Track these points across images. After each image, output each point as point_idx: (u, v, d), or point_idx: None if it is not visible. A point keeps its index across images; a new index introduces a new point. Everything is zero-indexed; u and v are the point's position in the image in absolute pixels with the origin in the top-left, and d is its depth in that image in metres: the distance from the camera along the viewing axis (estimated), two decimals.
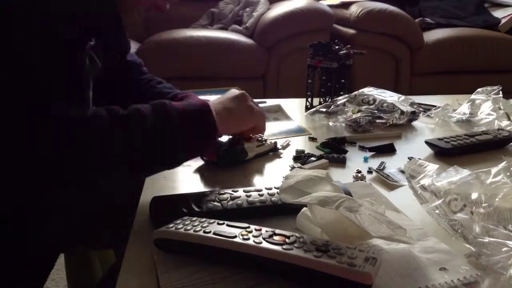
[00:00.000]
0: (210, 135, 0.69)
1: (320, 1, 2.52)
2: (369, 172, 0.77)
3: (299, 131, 0.99)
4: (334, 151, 0.85)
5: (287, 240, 0.47)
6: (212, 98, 1.13)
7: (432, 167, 0.66)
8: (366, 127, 0.98)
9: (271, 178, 0.75)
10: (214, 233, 0.49)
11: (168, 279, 0.47)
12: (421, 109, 1.09)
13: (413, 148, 0.89)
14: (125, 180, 0.66)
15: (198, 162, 0.79)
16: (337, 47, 1.09)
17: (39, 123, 0.55)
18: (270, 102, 1.17)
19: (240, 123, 0.78)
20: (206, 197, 0.60)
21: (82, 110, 0.60)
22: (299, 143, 0.91)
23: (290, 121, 1.06)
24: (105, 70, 0.80)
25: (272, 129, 0.97)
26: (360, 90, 1.11)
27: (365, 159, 0.83)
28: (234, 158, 0.79)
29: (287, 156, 0.85)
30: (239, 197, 0.60)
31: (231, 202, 0.59)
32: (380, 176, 0.75)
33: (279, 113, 1.10)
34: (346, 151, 0.85)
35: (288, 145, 0.89)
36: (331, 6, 2.44)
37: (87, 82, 0.71)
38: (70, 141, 0.57)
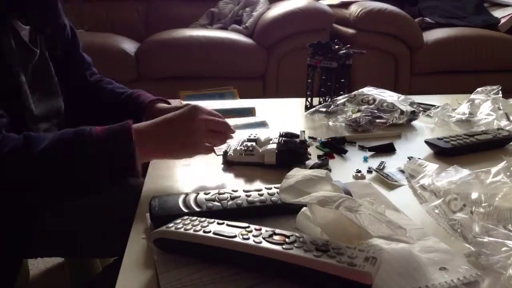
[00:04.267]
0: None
1: (320, 1, 2.52)
2: (369, 171, 0.77)
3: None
4: (334, 150, 0.85)
5: (287, 239, 0.47)
6: (208, 103, 1.11)
7: (432, 166, 0.66)
8: (366, 127, 0.98)
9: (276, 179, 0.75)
10: (214, 233, 0.49)
11: (168, 279, 0.47)
12: (420, 108, 1.09)
13: (413, 147, 0.89)
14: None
15: (198, 162, 0.79)
16: (336, 46, 1.09)
17: None
18: (250, 103, 1.11)
19: (171, 153, 0.72)
20: (206, 197, 0.60)
21: None
22: None
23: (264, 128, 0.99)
24: (53, 61, 0.81)
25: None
26: (360, 90, 1.11)
27: (365, 159, 0.83)
28: None
29: None
30: (239, 196, 0.60)
31: (231, 202, 0.59)
32: (380, 176, 0.75)
33: (249, 117, 1.03)
34: (346, 151, 0.85)
35: None
36: (331, 6, 2.44)
37: (15, 68, 0.71)
38: None
